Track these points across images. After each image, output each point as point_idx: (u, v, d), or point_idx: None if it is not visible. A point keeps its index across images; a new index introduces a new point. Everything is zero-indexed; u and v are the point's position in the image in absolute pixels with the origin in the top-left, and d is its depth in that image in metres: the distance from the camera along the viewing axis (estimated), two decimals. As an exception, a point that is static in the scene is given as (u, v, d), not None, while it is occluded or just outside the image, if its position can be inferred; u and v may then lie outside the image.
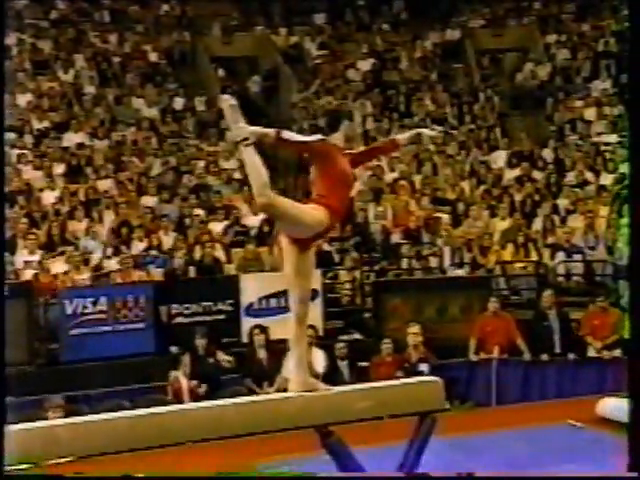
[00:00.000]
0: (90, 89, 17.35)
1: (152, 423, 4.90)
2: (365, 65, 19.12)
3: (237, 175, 15.34)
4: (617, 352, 11.30)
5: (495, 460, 7.12)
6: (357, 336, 12.07)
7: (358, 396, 5.31)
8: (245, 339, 11.49)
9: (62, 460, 8.19)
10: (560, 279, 12.74)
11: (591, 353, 11.55)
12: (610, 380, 10.92)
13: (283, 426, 5.15)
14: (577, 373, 11.33)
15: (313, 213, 5.08)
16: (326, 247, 12.64)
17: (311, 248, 5.26)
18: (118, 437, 4.78)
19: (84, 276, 11.73)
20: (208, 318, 11.47)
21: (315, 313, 11.63)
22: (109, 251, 12.52)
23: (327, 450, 5.33)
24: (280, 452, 7.54)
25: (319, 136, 5.20)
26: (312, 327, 10.68)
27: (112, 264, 12.09)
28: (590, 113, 17.13)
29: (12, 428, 4.63)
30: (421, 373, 9.95)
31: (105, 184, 14.46)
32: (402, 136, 5.80)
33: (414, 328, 10.77)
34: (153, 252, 12.53)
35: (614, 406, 8.43)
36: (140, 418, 4.94)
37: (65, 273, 11.64)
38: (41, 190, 14.08)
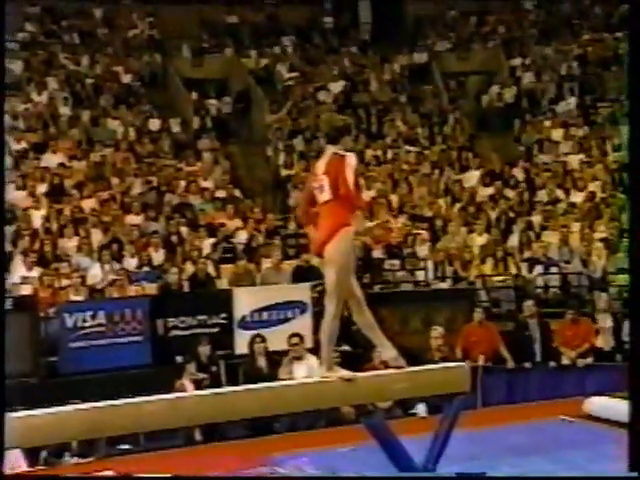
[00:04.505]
0: (65, 110, 17.50)
1: (219, 401, 5.46)
2: (336, 87, 19.53)
3: (219, 194, 15.70)
4: (589, 360, 11.88)
5: (501, 449, 7.63)
6: (346, 347, 12.39)
7: (396, 379, 5.89)
8: (238, 351, 11.76)
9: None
10: (538, 291, 13.22)
11: (566, 361, 11.96)
12: (587, 385, 11.51)
13: (332, 404, 5.94)
14: (557, 379, 11.80)
15: None
16: (315, 262, 12.98)
17: None
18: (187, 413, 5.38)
19: (81, 291, 11.96)
20: (203, 331, 11.69)
21: (305, 325, 12.00)
22: (102, 267, 12.75)
23: (368, 429, 5.75)
24: (298, 446, 7.95)
25: None
26: (300, 337, 11.05)
27: (107, 280, 12.33)
28: (557, 134, 17.72)
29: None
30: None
31: (89, 203, 14.69)
32: None
33: (436, 332, 11.13)
34: (146, 268, 12.80)
35: (600, 405, 9.13)
36: (207, 397, 5.53)
37: (62, 288, 11.87)
38: (25, 210, 14.25)
